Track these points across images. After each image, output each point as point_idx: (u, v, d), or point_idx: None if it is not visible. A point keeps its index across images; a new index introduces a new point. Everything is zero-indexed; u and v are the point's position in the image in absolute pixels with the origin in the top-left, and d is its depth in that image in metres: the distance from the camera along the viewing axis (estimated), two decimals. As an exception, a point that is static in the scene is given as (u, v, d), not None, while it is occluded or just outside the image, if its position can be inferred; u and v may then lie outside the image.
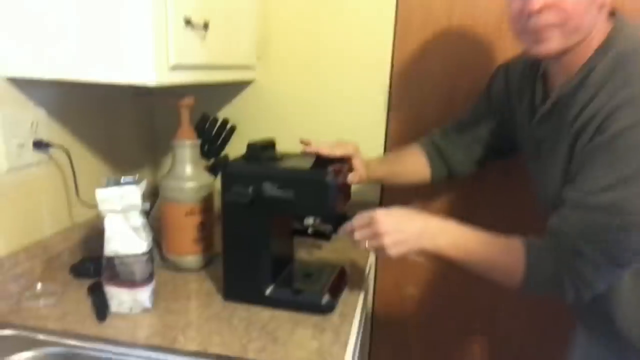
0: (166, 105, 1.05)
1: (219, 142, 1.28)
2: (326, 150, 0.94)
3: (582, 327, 1.05)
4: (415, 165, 1.15)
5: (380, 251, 0.87)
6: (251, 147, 0.89)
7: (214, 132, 1.27)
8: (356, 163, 1.00)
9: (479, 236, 0.86)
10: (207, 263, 1.09)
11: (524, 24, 0.81)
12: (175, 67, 0.88)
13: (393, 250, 0.85)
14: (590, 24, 0.79)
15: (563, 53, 0.82)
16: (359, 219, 0.88)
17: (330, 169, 0.87)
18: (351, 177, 0.96)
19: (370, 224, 0.86)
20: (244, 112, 1.38)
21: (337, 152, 0.95)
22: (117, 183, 0.89)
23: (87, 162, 1.16)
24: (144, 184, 0.88)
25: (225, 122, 1.28)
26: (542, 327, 1.39)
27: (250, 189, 0.86)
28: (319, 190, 0.85)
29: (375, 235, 0.85)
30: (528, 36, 0.82)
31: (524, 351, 1.42)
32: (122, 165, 1.31)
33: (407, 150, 1.17)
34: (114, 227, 0.86)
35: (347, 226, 0.89)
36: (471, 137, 1.14)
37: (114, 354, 0.79)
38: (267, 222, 0.91)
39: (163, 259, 1.08)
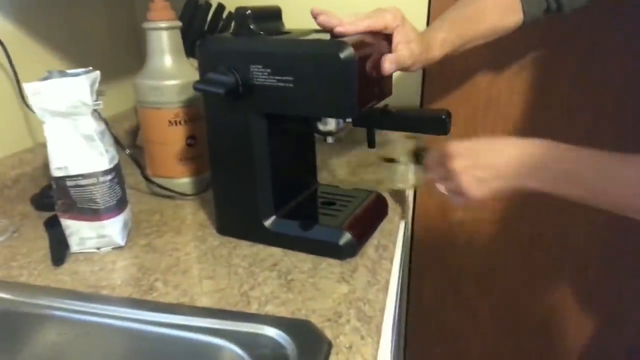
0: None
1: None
2: (348, 21, 0.62)
3: None
4: (501, 16, 0.79)
5: (458, 196, 0.68)
6: (239, 14, 0.60)
7: (207, 22, 0.99)
8: (398, 37, 0.66)
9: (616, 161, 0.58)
10: (204, 187, 0.85)
11: None
12: None
13: (474, 191, 0.65)
14: None
15: None
16: (429, 156, 0.69)
17: (349, 40, 0.56)
18: (388, 60, 0.63)
19: (442, 160, 0.66)
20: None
21: (362, 24, 0.62)
22: (63, 77, 0.64)
23: (40, 59, 0.91)
24: (95, 75, 0.63)
25: (220, 7, 0.99)
26: (619, 250, 1.13)
27: (231, 75, 0.58)
28: (332, 74, 0.55)
29: (449, 174, 0.66)
30: None
31: (599, 285, 1.17)
32: (93, 64, 1.04)
33: None
34: (58, 136, 0.62)
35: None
36: None
37: (67, 310, 0.56)
38: (262, 124, 0.64)
39: (148, 182, 0.84)
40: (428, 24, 1.07)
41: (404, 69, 0.68)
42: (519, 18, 0.80)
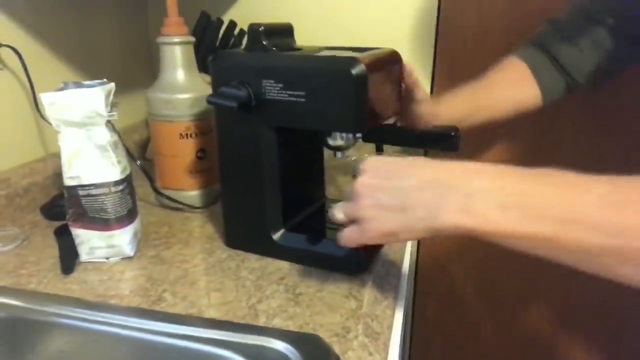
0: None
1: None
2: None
3: None
4: (513, 88, 0.79)
5: (352, 229, 0.52)
6: (253, 30, 0.62)
7: (218, 38, 1.00)
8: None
9: (558, 185, 0.41)
10: (213, 200, 0.86)
11: None
12: None
13: (370, 224, 0.48)
14: None
15: None
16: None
17: (361, 57, 0.56)
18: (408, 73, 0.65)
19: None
20: (255, 14, 1.10)
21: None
22: (79, 87, 0.65)
23: (55, 71, 0.92)
24: (110, 87, 0.64)
25: (232, 24, 1.01)
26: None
27: (244, 90, 0.59)
28: (343, 89, 0.55)
29: (350, 195, 0.51)
30: None
31: (607, 302, 1.16)
32: (106, 76, 1.07)
33: (497, 68, 0.81)
34: (72, 146, 0.63)
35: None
36: (607, 30, 0.74)
37: (75, 319, 0.57)
38: (272, 138, 0.64)
39: (157, 194, 0.85)
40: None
41: (412, 97, 0.70)
42: (535, 92, 0.80)
